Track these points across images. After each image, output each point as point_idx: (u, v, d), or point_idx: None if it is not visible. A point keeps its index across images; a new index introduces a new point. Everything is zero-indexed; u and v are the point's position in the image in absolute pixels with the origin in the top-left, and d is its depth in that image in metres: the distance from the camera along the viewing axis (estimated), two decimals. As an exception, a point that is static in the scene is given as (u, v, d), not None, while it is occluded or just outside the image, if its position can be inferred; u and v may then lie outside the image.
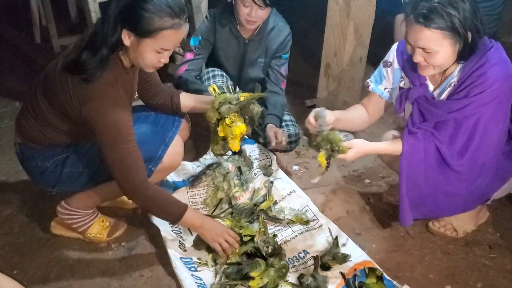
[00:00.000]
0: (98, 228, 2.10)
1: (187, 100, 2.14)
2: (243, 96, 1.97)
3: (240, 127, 1.96)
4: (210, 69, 2.47)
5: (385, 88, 2.10)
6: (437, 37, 1.70)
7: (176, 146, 2.03)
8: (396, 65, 2.01)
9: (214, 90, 2.04)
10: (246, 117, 2.00)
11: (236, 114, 1.97)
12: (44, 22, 4.17)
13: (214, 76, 2.43)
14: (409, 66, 1.94)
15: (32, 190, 2.37)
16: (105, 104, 1.67)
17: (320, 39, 2.61)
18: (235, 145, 2.00)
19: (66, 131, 1.85)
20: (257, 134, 2.52)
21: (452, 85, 1.86)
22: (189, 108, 2.15)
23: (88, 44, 1.68)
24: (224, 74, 2.47)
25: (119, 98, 1.72)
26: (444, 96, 1.90)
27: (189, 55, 2.46)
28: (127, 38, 1.67)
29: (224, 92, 2.05)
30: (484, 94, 1.77)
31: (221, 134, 1.99)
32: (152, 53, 1.70)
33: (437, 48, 1.72)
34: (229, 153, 2.46)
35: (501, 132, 1.91)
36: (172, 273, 1.92)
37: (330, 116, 1.98)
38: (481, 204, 2.10)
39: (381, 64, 2.09)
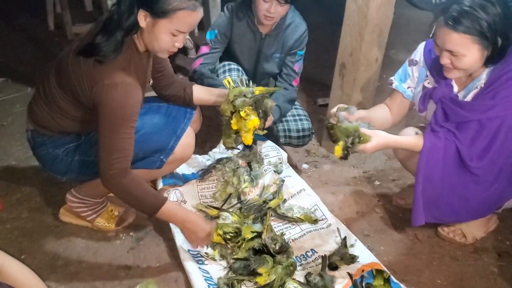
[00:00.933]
0: (107, 217, 2.11)
1: (200, 93, 2.14)
2: (258, 90, 1.96)
3: (254, 121, 1.96)
4: (226, 62, 2.46)
5: (409, 87, 2.09)
6: (465, 41, 1.69)
7: (188, 137, 2.03)
8: (422, 63, 2.01)
9: (229, 83, 2.04)
10: (260, 111, 2.00)
11: (250, 108, 1.97)
12: (59, 9, 4.18)
13: (230, 70, 2.42)
14: (435, 66, 1.93)
15: (42, 176, 2.38)
16: (116, 86, 1.66)
17: (335, 37, 2.59)
18: (248, 138, 1.99)
19: (78, 118, 1.84)
20: (269, 128, 2.51)
21: (479, 87, 1.85)
22: (201, 101, 2.14)
23: (103, 28, 1.68)
24: (239, 68, 2.46)
25: (130, 82, 1.71)
26: (469, 98, 1.88)
27: (204, 49, 2.45)
28: (143, 19, 1.66)
29: (238, 86, 2.05)
30: None
31: (234, 127, 1.98)
32: (167, 35, 1.69)
33: (464, 52, 1.71)
34: (240, 147, 2.47)
35: None
36: (179, 265, 1.92)
37: (356, 112, 1.98)
38: (493, 211, 2.09)
39: (407, 62, 2.08)
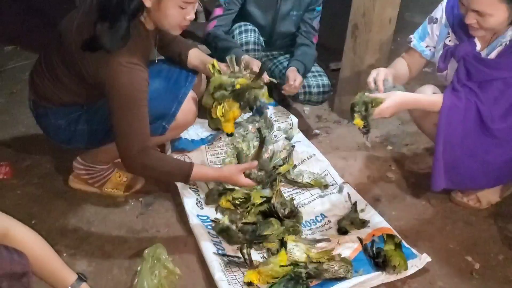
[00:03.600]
0: (115, 183, 2.10)
1: (194, 60, 2.06)
2: (239, 84, 1.85)
3: (233, 112, 1.89)
4: (242, 23, 2.38)
5: (427, 46, 2.04)
6: (492, 1, 1.63)
7: (190, 102, 1.98)
8: (444, 20, 1.94)
9: (213, 66, 1.95)
10: (241, 102, 1.90)
11: (230, 101, 1.88)
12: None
13: (246, 31, 2.35)
14: (459, 23, 1.86)
15: (51, 143, 2.35)
16: (123, 68, 1.61)
17: (348, 0, 2.52)
18: (228, 127, 1.92)
19: (81, 92, 1.81)
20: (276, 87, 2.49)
21: (504, 44, 1.78)
22: (195, 67, 2.08)
23: (102, 12, 1.59)
24: (255, 29, 2.38)
25: (136, 63, 1.66)
26: (493, 55, 1.82)
27: (218, 11, 2.37)
28: None
29: (220, 72, 1.94)
30: None
31: (214, 116, 1.90)
32: (176, 9, 1.63)
33: (491, 11, 1.65)
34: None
35: None
36: (189, 230, 1.91)
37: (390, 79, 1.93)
38: None
39: (427, 20, 2.02)
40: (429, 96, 1.90)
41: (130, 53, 1.64)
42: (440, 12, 1.96)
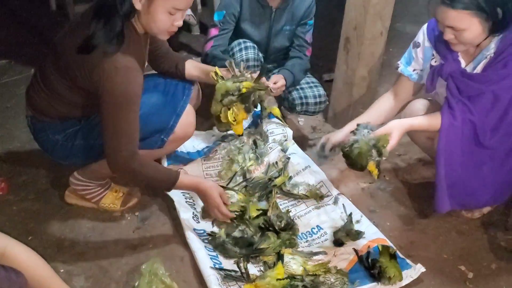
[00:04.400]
0: (112, 198, 2.11)
1: (192, 69, 2.11)
2: (245, 88, 1.93)
3: (242, 115, 1.99)
4: (241, 40, 2.41)
5: (414, 70, 2.06)
6: (464, 17, 1.67)
7: (188, 115, 2.00)
8: (426, 43, 1.98)
9: (216, 74, 2.00)
10: (247, 104, 1.98)
11: (237, 104, 1.97)
12: (60, -11, 4.14)
13: (246, 48, 2.37)
14: (441, 42, 1.89)
15: (48, 158, 2.35)
16: (117, 71, 1.62)
17: (340, 11, 2.54)
18: (238, 129, 2.02)
19: (77, 103, 1.81)
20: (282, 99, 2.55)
21: (488, 57, 1.81)
22: (193, 77, 2.12)
23: (97, 12, 1.62)
24: (255, 45, 2.41)
25: (131, 66, 1.67)
26: (479, 68, 1.85)
27: (214, 31, 2.41)
28: (138, 1, 1.61)
29: (223, 78, 2.02)
30: None
31: (224, 121, 2.00)
32: (164, 14, 1.64)
33: (465, 26, 1.69)
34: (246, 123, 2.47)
35: None
36: (185, 244, 1.92)
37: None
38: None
39: (411, 45, 2.06)
40: (427, 118, 1.91)
41: (125, 56, 1.65)
42: (421, 35, 2.00)
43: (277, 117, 2.46)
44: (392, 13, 2.44)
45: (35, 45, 3.61)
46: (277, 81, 2.29)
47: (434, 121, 1.87)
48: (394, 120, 1.91)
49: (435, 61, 1.98)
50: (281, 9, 2.41)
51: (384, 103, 2.16)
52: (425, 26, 2.00)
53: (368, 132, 1.86)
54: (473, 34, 1.72)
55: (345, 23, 2.46)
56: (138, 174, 1.75)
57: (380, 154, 1.82)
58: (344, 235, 1.95)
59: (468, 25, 1.69)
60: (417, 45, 2.02)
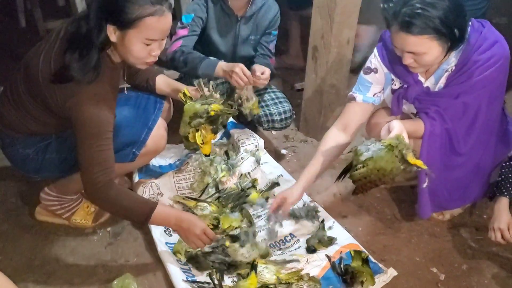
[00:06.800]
0: (83, 213, 2.09)
1: (161, 85, 2.11)
2: (213, 111, 1.91)
3: (210, 136, 1.97)
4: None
5: (374, 94, 2.02)
6: (423, 41, 1.66)
7: (160, 128, 2.01)
8: (384, 69, 1.95)
9: (185, 95, 1.99)
10: (215, 126, 1.97)
11: (205, 126, 1.95)
12: (29, 6, 4.10)
13: None
14: (398, 66, 1.88)
15: (17, 176, 2.34)
16: (90, 99, 1.62)
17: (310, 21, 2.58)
18: (206, 149, 1.99)
19: (50, 123, 1.80)
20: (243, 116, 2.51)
21: (450, 70, 1.81)
22: (163, 93, 2.12)
23: (72, 44, 1.62)
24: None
25: (104, 95, 1.67)
26: (441, 83, 1.85)
27: (182, 32, 2.38)
28: (112, 34, 1.61)
29: (192, 99, 2.00)
30: (492, 72, 1.74)
31: (192, 141, 1.97)
32: (139, 45, 1.64)
33: (425, 50, 1.68)
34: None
35: (500, 109, 1.93)
36: (157, 259, 1.91)
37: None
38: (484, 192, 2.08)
39: (362, 72, 2.01)
40: (413, 123, 1.89)
41: (97, 84, 1.64)
42: (376, 62, 1.96)
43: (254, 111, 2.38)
44: (359, 21, 2.48)
45: (4, 63, 3.57)
46: (264, 72, 2.28)
47: (418, 128, 1.87)
48: (394, 121, 1.79)
49: (395, 85, 1.98)
50: (247, 18, 2.44)
51: (334, 141, 2.03)
52: (375, 51, 1.97)
53: (372, 145, 1.72)
54: (434, 56, 1.71)
55: (312, 32, 2.49)
56: (116, 203, 1.69)
57: (407, 147, 1.67)
58: (316, 241, 1.96)
59: (428, 49, 1.68)
60: (373, 71, 1.97)
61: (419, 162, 1.67)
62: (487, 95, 1.81)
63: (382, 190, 2.35)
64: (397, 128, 1.72)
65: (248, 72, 2.20)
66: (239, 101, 2.31)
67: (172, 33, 2.47)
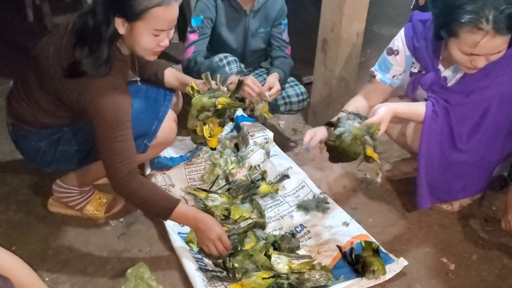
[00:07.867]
0: (95, 205, 2.11)
1: (170, 79, 2.13)
2: (220, 104, 1.93)
3: (217, 129, 1.99)
4: (222, 55, 2.42)
5: (394, 76, 2.04)
6: (506, 40, 1.64)
7: (170, 121, 2.03)
8: (407, 51, 1.95)
9: (192, 88, 2.00)
10: (222, 119, 1.99)
11: (213, 119, 1.97)
12: (38, 1, 4.12)
13: (229, 63, 2.39)
14: (420, 51, 1.88)
15: (29, 168, 2.36)
16: (106, 92, 1.64)
17: (318, 15, 2.59)
18: (213, 143, 2.01)
19: (61, 115, 1.82)
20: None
21: None
22: (172, 86, 2.14)
23: (80, 38, 1.63)
24: (236, 58, 2.43)
25: (118, 86, 1.69)
26: (459, 74, 1.86)
27: (193, 36, 2.43)
28: (121, 26, 1.63)
29: (199, 92, 2.01)
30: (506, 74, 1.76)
31: (200, 134, 1.98)
32: (148, 37, 1.66)
33: (504, 47, 1.66)
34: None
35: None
36: (170, 248, 1.93)
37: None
38: (486, 183, 2.09)
39: (385, 52, 2.02)
40: (411, 106, 1.91)
41: (111, 76, 1.67)
42: (400, 44, 1.96)
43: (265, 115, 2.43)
44: (369, 15, 2.49)
45: (13, 57, 3.59)
46: (272, 86, 2.33)
47: (417, 111, 1.88)
48: (381, 105, 1.86)
49: (415, 68, 1.99)
50: (255, 11, 2.46)
51: (360, 103, 2.10)
52: (403, 33, 1.96)
53: (353, 121, 1.80)
54: (502, 53, 1.68)
55: (322, 25, 2.50)
56: (138, 194, 1.71)
57: (373, 139, 1.76)
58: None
59: (505, 45, 1.66)
60: (394, 52, 1.99)
61: (375, 156, 1.75)
62: (498, 97, 1.82)
63: (391, 182, 2.36)
64: (379, 115, 1.79)
65: (258, 84, 2.28)
66: (251, 105, 2.38)
67: (180, 28, 2.49)
